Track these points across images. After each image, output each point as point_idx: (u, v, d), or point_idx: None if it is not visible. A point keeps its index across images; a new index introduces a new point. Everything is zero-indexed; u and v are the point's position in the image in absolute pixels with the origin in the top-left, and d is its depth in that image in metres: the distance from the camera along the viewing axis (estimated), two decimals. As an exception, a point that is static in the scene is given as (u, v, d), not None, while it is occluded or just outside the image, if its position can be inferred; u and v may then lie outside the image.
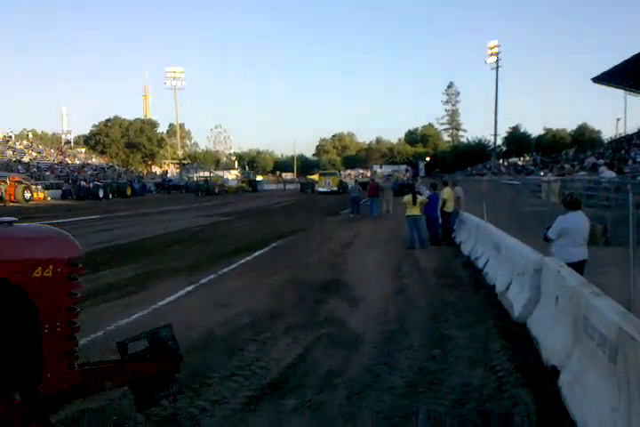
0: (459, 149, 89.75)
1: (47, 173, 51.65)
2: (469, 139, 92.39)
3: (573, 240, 6.39)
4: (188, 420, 4.09)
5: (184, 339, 4.21)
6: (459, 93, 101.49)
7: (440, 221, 14.69)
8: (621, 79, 34.86)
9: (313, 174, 65.03)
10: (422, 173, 66.31)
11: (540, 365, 5.17)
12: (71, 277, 2.72)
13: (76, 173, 54.72)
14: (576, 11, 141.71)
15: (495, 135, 64.54)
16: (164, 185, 62.34)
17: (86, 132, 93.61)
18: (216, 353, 5.58)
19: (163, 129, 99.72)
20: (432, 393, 4.58)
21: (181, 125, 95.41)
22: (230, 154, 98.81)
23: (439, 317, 7.10)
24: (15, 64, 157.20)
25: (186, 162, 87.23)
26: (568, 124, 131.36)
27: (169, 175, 76.58)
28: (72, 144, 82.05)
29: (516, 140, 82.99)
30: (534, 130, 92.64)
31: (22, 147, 60.46)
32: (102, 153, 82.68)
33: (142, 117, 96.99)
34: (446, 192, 14.70)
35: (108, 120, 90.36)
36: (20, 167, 48.84)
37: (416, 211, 13.80)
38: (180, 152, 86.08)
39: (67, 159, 64.34)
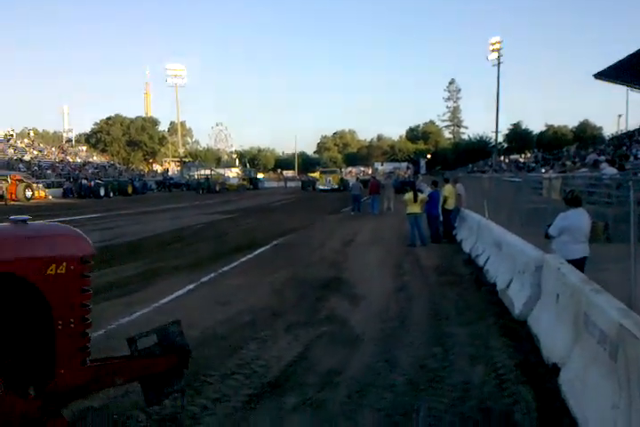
0: (460, 147, 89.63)
1: (48, 172, 51.70)
2: (471, 136, 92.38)
3: (574, 237, 6.38)
4: (188, 418, 4.09)
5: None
6: (460, 90, 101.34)
7: (441, 218, 14.69)
8: (623, 75, 34.75)
9: (314, 172, 64.96)
10: (423, 170, 66.15)
11: (540, 362, 5.17)
12: (84, 275, 2.79)
13: (77, 172, 54.73)
14: (578, 6, 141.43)
15: (496, 132, 64.55)
16: (165, 183, 62.35)
17: (87, 130, 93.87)
18: (217, 351, 5.59)
19: (164, 127, 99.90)
20: (433, 391, 4.58)
21: (182, 123, 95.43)
22: (231, 152, 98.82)
23: (440, 314, 7.10)
24: (16, 62, 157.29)
25: (187, 160, 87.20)
26: (570, 120, 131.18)
27: (170, 173, 76.56)
28: (73, 142, 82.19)
29: (518, 137, 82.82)
30: (536, 126, 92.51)
31: (23, 145, 60.54)
32: (103, 151, 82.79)
33: (143, 115, 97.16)
34: (447, 189, 14.69)
35: (109, 118, 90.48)
36: (21, 166, 48.92)
37: (417, 208, 13.80)
38: (181, 150, 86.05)
39: (68, 157, 64.39)
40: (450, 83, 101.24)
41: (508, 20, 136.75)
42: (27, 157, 54.73)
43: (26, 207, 29.51)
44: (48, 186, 43.99)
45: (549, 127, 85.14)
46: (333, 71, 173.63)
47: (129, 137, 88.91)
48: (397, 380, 4.82)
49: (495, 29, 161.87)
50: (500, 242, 9.11)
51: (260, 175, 76.21)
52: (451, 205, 14.53)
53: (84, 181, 44.19)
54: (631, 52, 26.87)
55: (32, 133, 73.69)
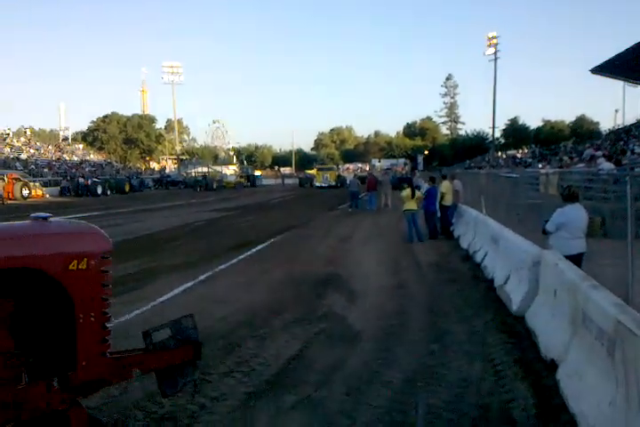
0: (457, 142, 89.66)
1: (45, 170, 51.53)
2: (468, 131, 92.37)
3: (572, 233, 6.38)
4: (187, 417, 4.10)
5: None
6: (457, 86, 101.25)
7: (439, 214, 14.69)
8: (620, 70, 34.76)
9: (311, 169, 64.82)
10: (421, 166, 66.17)
11: (538, 358, 5.18)
12: (103, 270, 2.89)
13: (74, 170, 54.59)
14: (574, 0, 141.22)
15: (493, 128, 64.30)
16: (163, 181, 62.14)
17: (84, 128, 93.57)
18: (215, 349, 5.58)
19: (161, 124, 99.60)
20: (431, 388, 4.59)
21: (179, 121, 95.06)
22: (228, 149, 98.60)
23: (438, 311, 7.12)
24: (12, 61, 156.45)
25: (184, 157, 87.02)
26: (567, 115, 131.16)
27: (167, 171, 76.29)
28: (70, 141, 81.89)
29: (515, 133, 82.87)
30: (533, 122, 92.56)
31: (20, 144, 60.31)
32: (100, 149, 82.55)
33: (140, 113, 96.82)
34: (445, 186, 14.68)
35: (105, 116, 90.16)
36: (17, 164, 48.75)
37: (414, 205, 13.81)
38: (178, 148, 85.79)
39: (65, 156, 64.18)
40: (447, 78, 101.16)
41: (504, 15, 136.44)
42: (23, 156, 54.53)
43: (23, 206, 29.44)
44: (45, 184, 43.89)
45: (546, 123, 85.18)
46: (330, 67, 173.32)
47: (126, 135, 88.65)
48: (395, 377, 4.83)
49: (492, 24, 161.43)
50: (497, 238, 9.12)
51: (257, 172, 76.03)
52: (448, 201, 14.54)
53: (81, 180, 44.08)
54: (628, 47, 26.88)
55: (29, 132, 73.46)
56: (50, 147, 66.94)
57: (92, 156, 71.57)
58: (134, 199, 37.26)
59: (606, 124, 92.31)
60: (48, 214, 2.86)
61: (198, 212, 24.56)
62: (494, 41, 58.95)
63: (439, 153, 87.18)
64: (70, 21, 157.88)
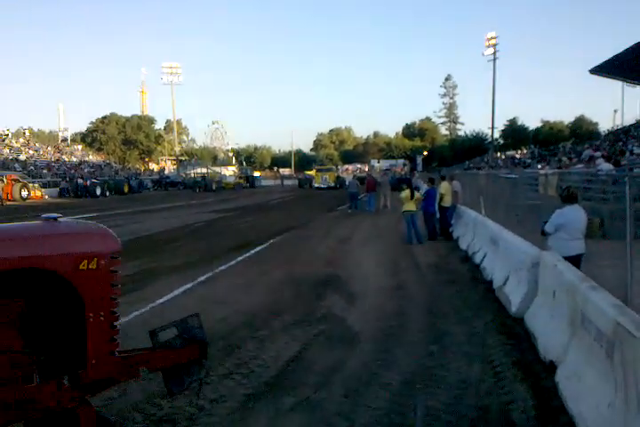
0: (456, 143, 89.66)
1: (44, 171, 51.45)
2: (467, 132, 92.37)
3: (570, 234, 6.38)
4: (186, 419, 4.09)
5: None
6: (456, 86, 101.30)
7: (438, 215, 14.69)
8: (619, 70, 34.74)
9: (311, 170, 64.83)
10: (420, 167, 66.21)
11: (537, 359, 5.18)
12: (113, 270, 2.95)
13: (73, 171, 54.52)
14: (573, 0, 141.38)
15: (492, 128, 64.37)
16: (162, 182, 62.11)
17: (83, 129, 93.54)
18: (214, 351, 5.56)
19: (160, 125, 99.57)
20: (430, 389, 4.59)
21: (178, 121, 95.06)
22: (227, 150, 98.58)
23: (437, 312, 7.11)
24: (11, 62, 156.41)
25: (183, 158, 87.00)
26: (566, 116, 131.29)
27: (166, 172, 76.27)
28: (69, 141, 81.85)
29: (514, 133, 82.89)
30: (532, 122, 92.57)
31: (19, 145, 60.25)
32: (99, 150, 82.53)
33: (139, 114, 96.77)
34: (444, 186, 14.69)
35: (104, 117, 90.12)
36: (16, 165, 48.69)
37: (413, 206, 13.82)
38: (177, 148, 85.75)
39: (64, 157, 64.13)
40: (446, 79, 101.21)
41: (503, 16, 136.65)
42: (22, 157, 54.48)
43: (22, 207, 29.41)
44: (44, 186, 43.81)
45: (545, 123, 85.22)
46: (329, 68, 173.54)
47: (125, 136, 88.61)
48: (394, 379, 4.83)
49: (491, 25, 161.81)
50: (496, 239, 9.12)
51: (256, 173, 76.06)
52: (447, 202, 14.54)
53: (80, 181, 44.01)
54: (627, 47, 26.87)
55: (27, 133, 73.34)
56: (49, 148, 66.88)
57: (90, 157, 71.53)
58: (133, 200, 37.24)
59: (605, 125, 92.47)
60: (58, 215, 2.89)
61: (197, 213, 24.55)
62: (493, 41, 58.98)
63: (438, 154, 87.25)
64: (70, 22, 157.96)
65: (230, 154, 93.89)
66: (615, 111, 68.30)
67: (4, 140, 57.74)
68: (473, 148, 78.37)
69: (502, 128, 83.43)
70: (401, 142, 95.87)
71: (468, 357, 5.37)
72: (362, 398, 4.43)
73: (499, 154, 64.81)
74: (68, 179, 47.07)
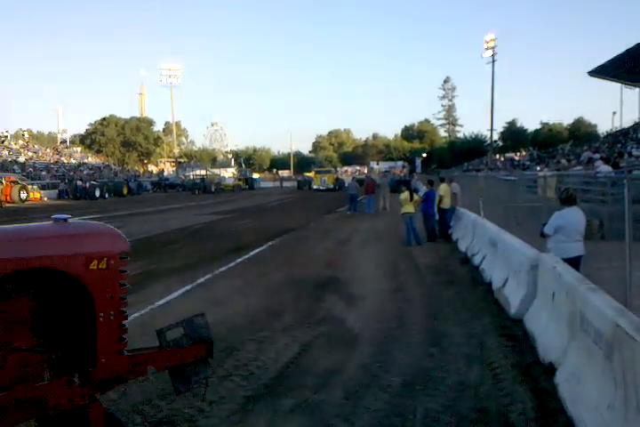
0: (455, 145, 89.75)
1: (43, 173, 51.40)
2: (466, 134, 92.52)
3: (569, 236, 6.39)
4: (185, 421, 4.09)
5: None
6: (455, 88, 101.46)
7: (437, 217, 14.70)
8: (617, 72, 34.89)
9: (310, 172, 64.84)
10: (419, 169, 66.21)
11: (537, 361, 5.18)
12: (122, 270, 3.00)
13: (72, 173, 54.50)
14: (572, 3, 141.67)
15: (491, 130, 64.44)
16: (161, 184, 62.17)
17: (82, 131, 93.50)
18: (214, 352, 5.56)
19: (159, 127, 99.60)
20: (429, 391, 4.59)
21: (177, 123, 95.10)
22: (227, 152, 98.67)
23: (436, 314, 7.11)
24: (10, 64, 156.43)
25: (182, 160, 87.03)
26: (564, 118, 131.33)
27: (165, 174, 76.32)
28: (68, 143, 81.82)
29: (513, 135, 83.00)
30: (531, 124, 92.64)
31: (18, 146, 60.23)
32: (98, 152, 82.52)
33: (138, 116, 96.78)
34: (443, 188, 14.71)
35: (103, 119, 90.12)
36: (15, 167, 48.64)
37: (412, 208, 13.83)
38: (176, 150, 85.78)
39: (63, 159, 64.12)
40: (444, 81, 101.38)
41: (502, 18, 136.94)
42: (21, 159, 54.46)
43: (21, 209, 29.40)
44: (43, 187, 43.80)
45: (544, 125, 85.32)
46: (328, 70, 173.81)
47: (124, 138, 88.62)
48: (394, 381, 4.83)
49: (490, 27, 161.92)
50: (495, 241, 9.13)
51: (255, 175, 76.06)
52: (446, 204, 14.56)
53: (79, 183, 44.00)
54: (625, 49, 26.97)
55: (26, 135, 73.25)
56: (48, 150, 66.87)
57: (89, 158, 71.53)
58: (132, 202, 37.22)
59: (604, 127, 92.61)
60: (68, 216, 2.94)
61: (196, 215, 24.54)
62: (492, 43, 59.06)
63: (437, 156, 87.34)
64: (69, 24, 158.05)
65: (229, 156, 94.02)
66: (614, 113, 68.30)
67: (2, 142, 57.72)
68: (472, 150, 78.49)
69: (501, 130, 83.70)
70: (400, 144, 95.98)
71: (468, 358, 5.37)
72: (361, 400, 4.43)
73: (497, 156, 64.85)
74: (66, 181, 47.03)
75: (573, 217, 6.41)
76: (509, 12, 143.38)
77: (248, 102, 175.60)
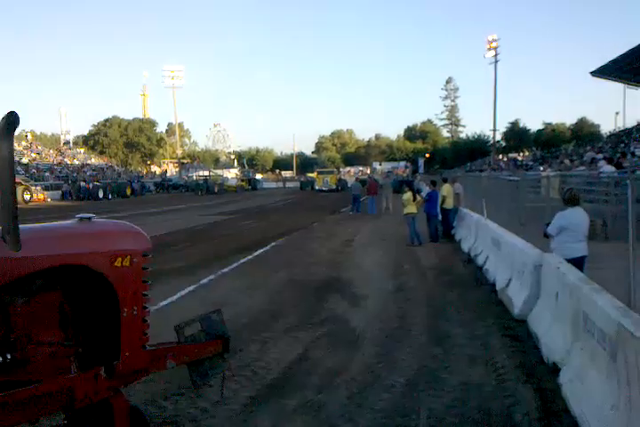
0: (458, 145, 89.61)
1: (46, 174, 51.58)
2: (469, 134, 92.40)
3: (573, 236, 6.37)
4: (189, 421, 4.10)
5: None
6: (457, 89, 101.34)
7: (440, 217, 14.70)
8: (620, 72, 34.84)
9: (312, 172, 64.85)
10: (422, 169, 66.15)
11: (540, 362, 5.18)
12: (144, 267, 3.08)
13: (75, 174, 54.67)
14: (575, 3, 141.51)
15: (494, 130, 64.31)
16: (164, 185, 62.27)
17: (85, 132, 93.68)
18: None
19: (162, 128, 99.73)
20: (433, 392, 4.59)
21: (180, 124, 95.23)
22: (229, 152, 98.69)
23: (440, 314, 7.11)
24: (13, 64, 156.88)
25: (185, 161, 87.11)
26: (567, 118, 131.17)
27: (168, 175, 76.40)
28: (71, 144, 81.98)
29: (516, 136, 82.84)
30: (534, 124, 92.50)
31: (21, 148, 60.35)
32: (101, 153, 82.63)
33: (141, 117, 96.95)
34: (446, 189, 14.71)
35: (106, 120, 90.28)
36: (19, 168, 48.75)
37: (414, 208, 13.84)
38: (179, 151, 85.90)
39: (66, 160, 64.27)
40: (447, 81, 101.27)
41: (505, 18, 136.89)
42: (25, 160, 54.58)
43: (25, 210, 29.46)
44: (46, 188, 43.96)
45: (547, 125, 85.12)
46: (331, 71, 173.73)
47: (127, 139, 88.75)
48: (397, 381, 4.83)
49: (492, 27, 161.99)
50: (498, 241, 9.12)
51: (258, 176, 76.11)
52: (449, 204, 14.56)
53: (83, 184, 44.15)
54: (628, 50, 26.92)
55: (30, 136, 73.41)
56: (51, 151, 67.05)
57: (93, 159, 71.65)
58: (136, 203, 37.30)
59: (607, 127, 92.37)
60: (92, 215, 3.03)
61: (200, 215, 24.59)
62: (494, 43, 59.01)
63: (440, 156, 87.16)
64: (72, 25, 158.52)
65: (232, 156, 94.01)
66: (617, 113, 68.15)
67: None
68: (474, 150, 78.37)
69: (504, 130, 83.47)
70: (403, 145, 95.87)
71: (471, 359, 5.37)
72: (365, 401, 4.43)
73: (500, 156, 64.80)
74: (70, 182, 47.16)
75: (577, 217, 6.40)
76: (512, 12, 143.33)
77: (251, 103, 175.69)
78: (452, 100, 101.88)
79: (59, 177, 51.79)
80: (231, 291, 8.65)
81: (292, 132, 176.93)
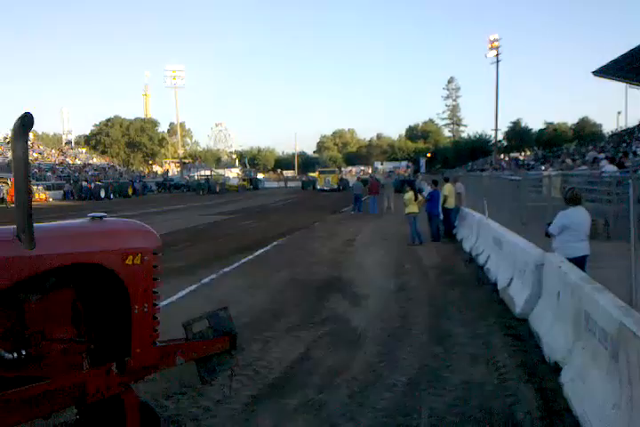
0: (459, 145, 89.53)
1: (48, 174, 51.68)
2: (470, 134, 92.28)
3: (575, 236, 6.37)
4: (190, 420, 4.10)
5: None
6: (459, 88, 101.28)
7: (441, 217, 14.69)
8: (622, 72, 34.79)
9: (314, 172, 64.86)
10: (423, 169, 66.11)
11: (542, 361, 5.18)
12: (155, 265, 3.15)
13: (77, 174, 54.75)
14: (576, 2, 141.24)
15: (496, 130, 64.19)
16: (166, 184, 62.37)
17: (87, 132, 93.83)
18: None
19: (163, 128, 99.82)
20: (434, 391, 4.59)
21: (182, 124, 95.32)
22: (231, 152, 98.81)
23: (441, 313, 7.11)
24: (15, 64, 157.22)
25: (187, 161, 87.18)
26: (569, 117, 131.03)
27: (170, 174, 76.51)
28: (73, 144, 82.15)
29: (517, 135, 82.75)
30: (535, 124, 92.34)
31: (23, 148, 60.42)
32: (103, 153, 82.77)
33: (143, 117, 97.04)
34: (447, 188, 14.69)
35: (108, 120, 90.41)
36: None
37: (416, 208, 13.85)
38: (180, 151, 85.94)
39: (68, 160, 64.41)
40: (449, 81, 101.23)
41: (506, 18, 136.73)
42: (27, 160, 54.61)
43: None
44: (48, 188, 44.03)
45: (549, 125, 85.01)
46: (332, 70, 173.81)
47: (128, 138, 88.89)
48: (399, 380, 4.83)
49: (494, 27, 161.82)
50: (500, 241, 9.12)
51: (259, 175, 76.13)
52: (451, 204, 14.54)
53: (85, 183, 44.21)
54: (629, 49, 26.88)
55: (32, 136, 73.54)
56: (53, 151, 67.18)
57: (94, 159, 71.77)
58: (137, 203, 37.32)
59: (609, 127, 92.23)
60: (104, 214, 3.07)
61: (202, 215, 24.61)
62: (496, 43, 58.91)
63: (442, 156, 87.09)
64: (74, 25, 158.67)
65: (234, 156, 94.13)
66: (619, 113, 68.08)
67: (8, 143, 57.95)
68: (476, 150, 78.25)
69: (506, 130, 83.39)
70: (404, 144, 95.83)
71: (473, 358, 5.37)
72: (366, 400, 4.43)
73: (502, 156, 64.71)
74: (72, 182, 47.22)
75: (578, 217, 6.40)
76: (513, 12, 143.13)
77: (252, 103, 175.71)
78: (454, 100, 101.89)
79: (60, 177, 51.86)
80: (233, 290, 8.65)
81: (293, 132, 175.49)
